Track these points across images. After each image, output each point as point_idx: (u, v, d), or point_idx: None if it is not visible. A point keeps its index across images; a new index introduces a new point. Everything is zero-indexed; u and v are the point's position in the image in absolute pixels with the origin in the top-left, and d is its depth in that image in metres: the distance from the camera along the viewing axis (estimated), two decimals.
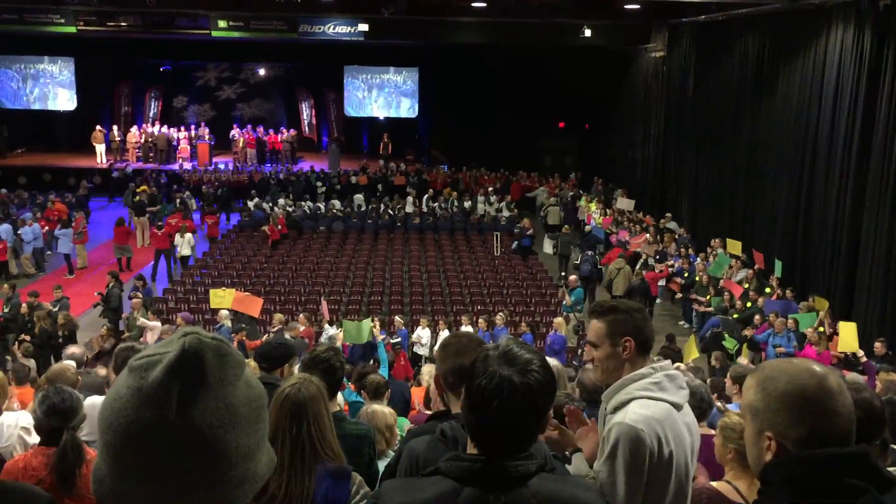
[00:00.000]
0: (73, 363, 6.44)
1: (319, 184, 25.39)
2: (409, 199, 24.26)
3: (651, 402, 2.46)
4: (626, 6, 21.00)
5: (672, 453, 2.42)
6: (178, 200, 22.33)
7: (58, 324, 12.21)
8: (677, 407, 2.50)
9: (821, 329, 11.77)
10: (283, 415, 2.64)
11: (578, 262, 17.70)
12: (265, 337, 11.49)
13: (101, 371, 7.50)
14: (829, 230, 14.07)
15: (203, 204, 22.96)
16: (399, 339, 11.69)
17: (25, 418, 4.09)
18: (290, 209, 22.60)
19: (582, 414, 2.78)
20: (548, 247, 21.24)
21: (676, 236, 19.17)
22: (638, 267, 16.95)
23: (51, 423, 3.28)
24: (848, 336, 10.58)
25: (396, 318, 13.76)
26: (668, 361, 2.65)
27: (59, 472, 3.16)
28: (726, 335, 13.31)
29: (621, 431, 2.39)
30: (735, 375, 5.63)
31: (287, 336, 11.25)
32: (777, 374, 1.67)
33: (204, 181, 25.15)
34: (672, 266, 16.72)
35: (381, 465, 3.75)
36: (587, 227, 21.09)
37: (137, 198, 21.77)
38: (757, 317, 13.15)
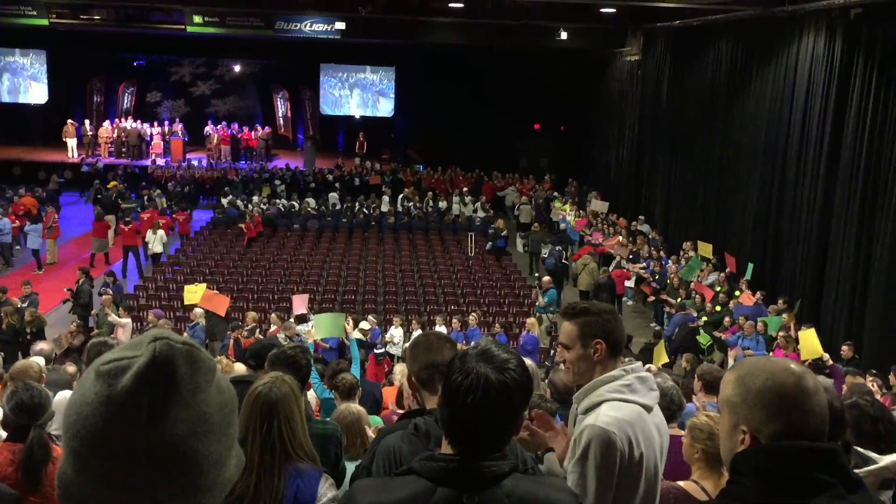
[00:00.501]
0: (39, 360, 6.37)
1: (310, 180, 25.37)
2: (385, 198, 24.23)
3: (622, 404, 2.48)
4: (602, 10, 21.12)
5: (642, 455, 2.44)
6: (145, 197, 22.08)
7: (25, 320, 12.04)
8: (647, 409, 2.53)
9: (787, 333, 11.89)
10: (254, 414, 2.62)
11: (545, 255, 18.16)
12: (253, 337, 11.37)
13: (70, 368, 7.43)
14: (799, 234, 14.25)
15: (170, 202, 22.64)
16: (383, 350, 11.63)
17: None
18: (265, 206, 22.47)
19: (551, 419, 2.81)
20: (519, 245, 21.62)
21: (649, 238, 19.34)
22: (611, 267, 17.09)
23: (18, 419, 3.24)
24: (809, 344, 10.61)
25: (369, 317, 13.70)
26: (640, 363, 2.66)
27: (26, 470, 3.13)
28: (701, 330, 13.60)
29: (593, 434, 2.41)
30: (701, 374, 5.66)
31: (282, 336, 11.20)
32: (756, 370, 1.71)
33: (174, 178, 24.90)
34: (644, 268, 16.87)
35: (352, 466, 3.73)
36: (562, 226, 21.31)
37: (109, 194, 21.46)
38: (727, 319, 13.30)
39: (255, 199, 23.30)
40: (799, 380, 1.66)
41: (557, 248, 18.40)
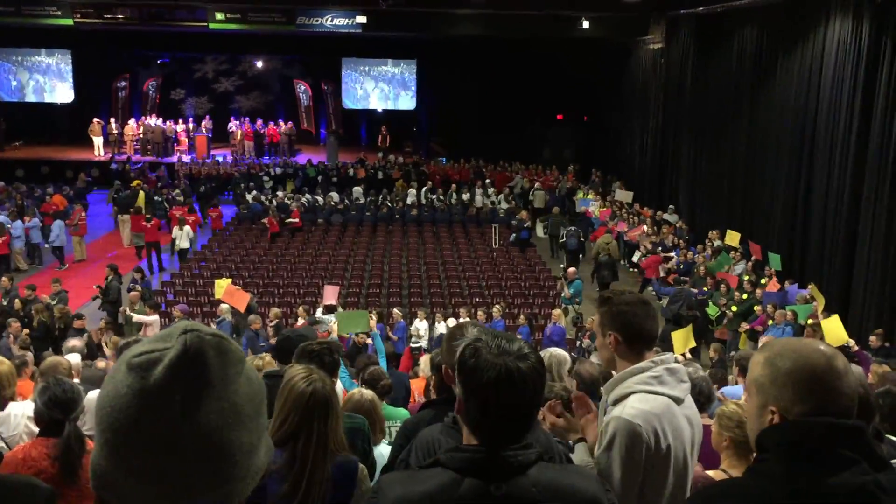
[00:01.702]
0: (74, 357, 6.46)
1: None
2: (411, 191, 24.27)
3: (650, 396, 2.47)
4: None
5: (670, 447, 2.44)
6: (164, 196, 22.10)
7: (55, 317, 12.21)
8: (677, 401, 2.51)
9: (815, 321, 11.75)
10: (308, 410, 2.64)
11: (564, 238, 19.03)
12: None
13: (101, 364, 7.52)
14: (827, 221, 14.10)
15: (187, 199, 22.58)
16: (419, 345, 11.70)
17: (31, 408, 4.10)
18: (289, 201, 22.57)
19: (588, 400, 2.81)
20: (539, 230, 21.87)
21: (676, 227, 19.22)
22: (636, 258, 17.05)
23: (52, 413, 3.26)
24: (833, 331, 10.49)
25: (395, 310, 13.77)
26: (670, 355, 2.62)
27: (63, 463, 3.17)
28: (710, 302, 13.95)
29: (618, 426, 2.41)
30: (738, 359, 5.70)
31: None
32: (786, 351, 1.71)
33: (199, 174, 25.05)
34: (671, 257, 16.79)
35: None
36: (584, 209, 21.46)
37: (126, 194, 21.39)
38: (757, 308, 13.19)
39: (280, 193, 23.42)
40: (830, 360, 1.66)
41: (572, 228, 19.18)
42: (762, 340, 12.05)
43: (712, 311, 13.78)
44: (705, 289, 14.93)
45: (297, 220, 20.50)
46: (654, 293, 15.94)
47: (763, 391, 1.71)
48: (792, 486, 1.57)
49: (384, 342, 10.82)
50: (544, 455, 1.72)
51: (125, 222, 20.14)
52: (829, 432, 1.59)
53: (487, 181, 24.93)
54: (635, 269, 18.63)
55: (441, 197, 23.80)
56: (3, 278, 14.63)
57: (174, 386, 1.05)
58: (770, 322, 12.34)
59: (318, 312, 12.57)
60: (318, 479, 2.58)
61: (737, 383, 5.62)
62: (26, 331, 11.90)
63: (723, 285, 14.48)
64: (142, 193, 21.11)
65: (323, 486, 2.59)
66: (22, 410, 4.08)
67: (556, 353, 4.26)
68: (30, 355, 9.04)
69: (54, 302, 13.07)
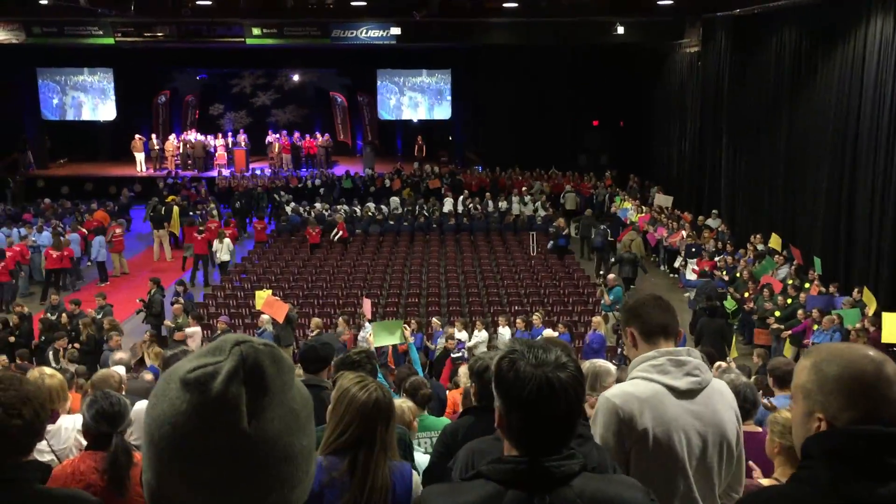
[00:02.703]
0: (120, 369, 6.57)
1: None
2: (448, 200, 24.31)
3: (642, 381, 2.57)
4: (659, 2, 20.82)
5: (647, 430, 2.49)
6: (200, 212, 22.31)
7: (104, 328, 12.43)
8: (676, 391, 2.55)
9: (862, 326, 11.54)
10: (372, 419, 2.67)
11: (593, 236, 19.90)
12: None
13: (148, 376, 7.64)
14: (872, 224, 13.82)
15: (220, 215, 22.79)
16: (460, 354, 11.74)
17: (81, 421, 4.17)
18: (326, 213, 22.76)
19: None
20: (571, 230, 22.01)
21: (718, 231, 19.00)
22: (676, 263, 16.96)
23: (99, 427, 3.30)
24: (893, 326, 10.32)
25: (434, 319, 13.78)
26: (687, 349, 2.68)
27: (112, 476, 3.21)
28: (728, 295, 14.48)
29: (599, 403, 2.59)
30: (772, 368, 5.60)
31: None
32: (833, 357, 1.67)
33: (236, 188, 25.35)
34: (719, 262, 16.62)
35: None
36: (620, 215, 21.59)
37: (160, 209, 21.49)
38: (800, 312, 12.97)
39: (318, 205, 23.61)
40: (879, 367, 1.62)
41: (602, 226, 19.99)
42: (808, 346, 11.88)
43: (730, 304, 14.16)
44: (747, 294, 14.74)
45: (342, 231, 20.62)
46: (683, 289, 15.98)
47: (809, 397, 1.67)
48: (837, 495, 1.54)
49: (421, 351, 10.88)
50: (587, 466, 1.70)
51: (159, 238, 20.56)
52: (876, 440, 1.56)
53: (525, 189, 24.84)
54: (675, 275, 18.45)
55: (478, 206, 23.79)
56: (52, 295, 14.95)
57: (236, 396, 1.07)
58: (816, 327, 12.13)
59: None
60: (379, 486, 2.61)
61: (773, 395, 5.50)
62: (75, 345, 12.15)
63: (766, 290, 14.28)
64: (176, 209, 21.37)
65: (384, 493, 2.62)
66: (72, 424, 4.15)
67: (596, 365, 4.17)
68: (81, 368, 9.25)
69: (99, 315, 13.32)
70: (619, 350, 12.50)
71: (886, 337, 10.31)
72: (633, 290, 16.28)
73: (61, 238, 17.99)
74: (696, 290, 14.72)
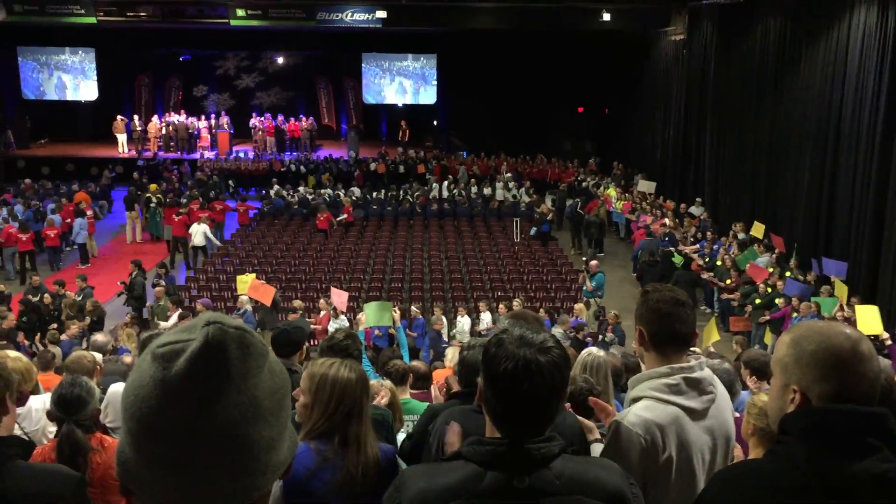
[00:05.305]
0: (97, 352, 6.53)
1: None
2: (435, 185, 24.27)
3: (658, 404, 2.40)
4: None
5: (671, 459, 2.38)
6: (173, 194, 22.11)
7: (87, 310, 12.34)
8: (692, 412, 2.43)
9: (841, 314, 11.65)
10: (358, 396, 2.68)
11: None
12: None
13: (127, 359, 7.60)
14: (853, 213, 13.92)
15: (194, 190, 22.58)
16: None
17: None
18: (310, 196, 22.67)
19: (605, 404, 2.78)
20: (548, 201, 22.64)
21: (700, 219, 19.09)
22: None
23: (57, 412, 3.23)
24: (868, 319, 10.41)
25: (413, 307, 13.70)
26: (698, 362, 2.49)
27: (63, 464, 3.15)
28: (674, 251, 16.03)
29: (617, 430, 2.38)
30: (747, 361, 5.48)
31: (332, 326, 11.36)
32: (812, 333, 1.72)
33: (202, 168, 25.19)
34: (698, 250, 16.74)
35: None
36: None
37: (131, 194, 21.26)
38: (780, 300, 13.08)
39: (302, 189, 23.51)
40: (855, 344, 1.67)
41: (576, 200, 21.50)
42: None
43: (678, 259, 15.69)
44: (729, 282, 14.84)
45: (347, 215, 20.56)
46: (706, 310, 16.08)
47: (787, 371, 1.72)
48: (813, 471, 1.58)
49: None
50: (568, 448, 1.71)
51: (132, 220, 20.58)
52: (852, 419, 1.60)
53: (508, 174, 24.82)
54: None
55: (462, 191, 23.77)
56: (33, 276, 14.83)
57: (194, 378, 1.06)
58: (795, 314, 12.25)
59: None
60: (372, 462, 2.62)
61: (746, 387, 5.32)
62: (54, 325, 12.06)
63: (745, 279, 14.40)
64: (155, 198, 21.08)
65: (376, 468, 2.62)
66: (43, 405, 4.09)
67: (594, 354, 4.10)
68: (58, 350, 9.19)
69: (79, 298, 13.23)
70: (601, 337, 12.55)
71: (861, 328, 10.40)
72: (602, 256, 18.89)
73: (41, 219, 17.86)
74: (641, 247, 16.63)
